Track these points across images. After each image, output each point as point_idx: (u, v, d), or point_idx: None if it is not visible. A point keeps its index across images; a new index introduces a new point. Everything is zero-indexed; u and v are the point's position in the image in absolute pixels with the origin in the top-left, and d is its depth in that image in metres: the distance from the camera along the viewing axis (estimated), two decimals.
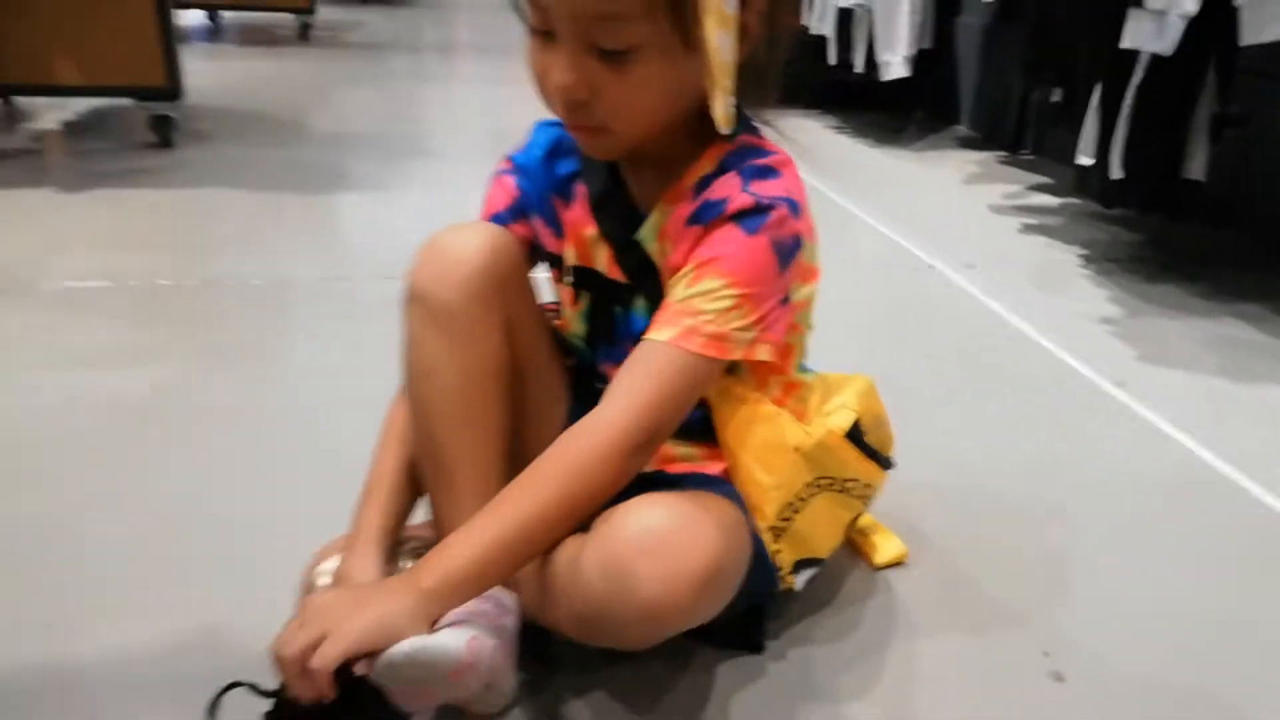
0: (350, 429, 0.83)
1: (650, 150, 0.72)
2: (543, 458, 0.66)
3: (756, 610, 0.80)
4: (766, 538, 0.76)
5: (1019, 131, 2.72)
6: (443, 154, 2.49)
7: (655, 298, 0.72)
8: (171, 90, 2.20)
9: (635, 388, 0.67)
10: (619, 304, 0.77)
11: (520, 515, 0.64)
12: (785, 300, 0.71)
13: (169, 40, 2.16)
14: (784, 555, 0.78)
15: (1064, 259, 1.85)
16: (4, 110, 2.66)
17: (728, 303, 0.67)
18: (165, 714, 0.71)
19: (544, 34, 0.66)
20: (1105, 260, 1.84)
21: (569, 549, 0.69)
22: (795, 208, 0.69)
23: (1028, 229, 2.03)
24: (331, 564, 0.74)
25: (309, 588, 0.74)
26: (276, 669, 0.59)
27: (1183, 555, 0.96)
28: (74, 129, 2.52)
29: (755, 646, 0.80)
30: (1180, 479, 1.10)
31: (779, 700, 0.75)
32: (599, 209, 0.76)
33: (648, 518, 0.65)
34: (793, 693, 0.75)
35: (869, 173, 2.46)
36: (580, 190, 0.77)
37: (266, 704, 0.61)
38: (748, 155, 0.71)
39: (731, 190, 0.69)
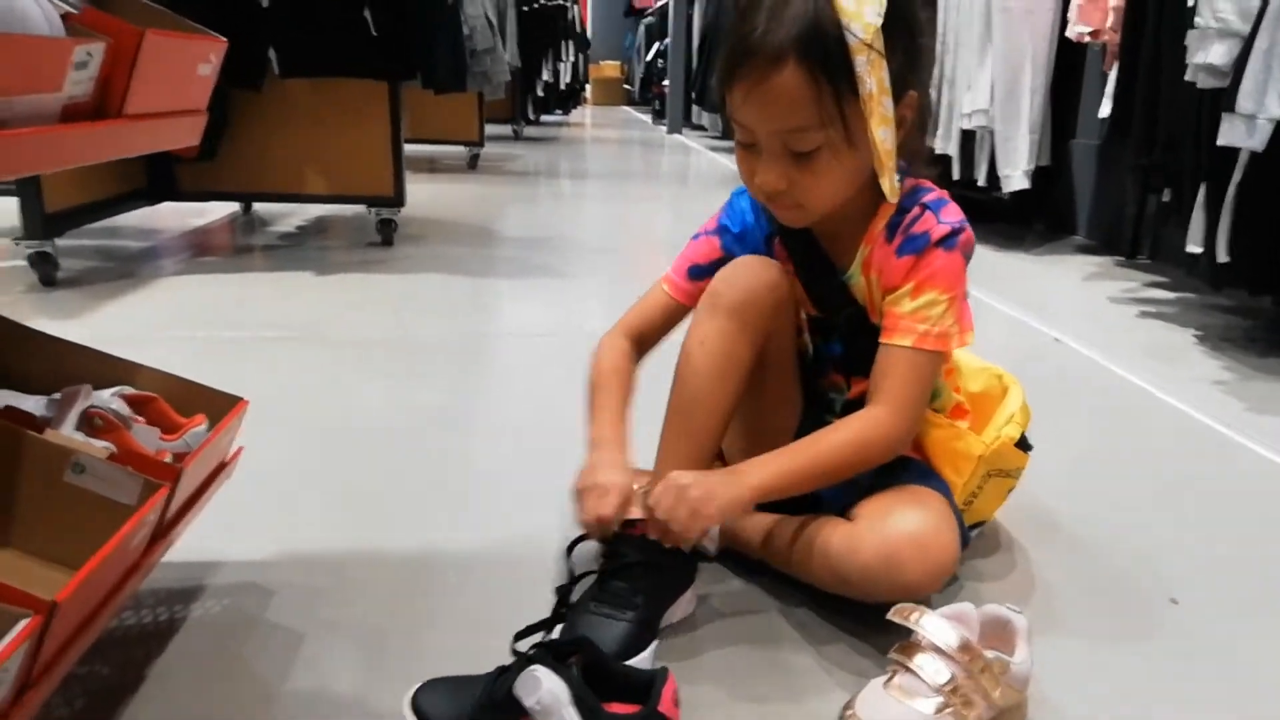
0: (565, 410, 1.13)
1: (835, 214, 0.95)
2: (835, 426, 0.93)
3: None
4: None
5: (1135, 238, 2.93)
6: (603, 249, 2.91)
7: (845, 321, 0.99)
8: (398, 199, 2.66)
9: (899, 392, 0.91)
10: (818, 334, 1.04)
11: (812, 460, 0.90)
12: (965, 295, 0.96)
13: (398, 159, 2.64)
14: (965, 520, 1.01)
15: (1180, 339, 2.05)
16: (245, 220, 3.22)
17: (943, 307, 0.92)
18: (496, 561, 1.00)
19: (748, 145, 0.92)
20: (1219, 340, 2.03)
21: (840, 531, 0.91)
22: (967, 223, 0.95)
23: (1145, 315, 2.25)
24: None
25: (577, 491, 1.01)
26: (658, 518, 0.85)
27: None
28: (306, 231, 3.03)
29: None
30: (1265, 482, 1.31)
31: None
32: (798, 261, 1.00)
33: (913, 520, 0.89)
34: (965, 597, 0.99)
35: (994, 271, 2.70)
36: (778, 245, 1.02)
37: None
38: (919, 193, 0.95)
39: (930, 224, 0.92)
